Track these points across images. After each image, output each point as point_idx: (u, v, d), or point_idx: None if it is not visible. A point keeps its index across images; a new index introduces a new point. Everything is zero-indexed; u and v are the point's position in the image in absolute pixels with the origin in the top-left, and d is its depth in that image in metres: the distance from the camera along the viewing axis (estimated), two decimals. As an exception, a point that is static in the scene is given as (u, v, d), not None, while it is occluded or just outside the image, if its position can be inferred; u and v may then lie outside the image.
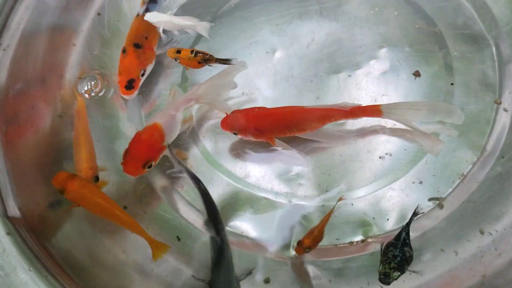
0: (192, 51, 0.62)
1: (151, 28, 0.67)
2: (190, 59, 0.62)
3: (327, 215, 0.58)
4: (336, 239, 0.60)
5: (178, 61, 0.63)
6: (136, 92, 0.65)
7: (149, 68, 0.66)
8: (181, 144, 0.65)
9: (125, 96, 0.65)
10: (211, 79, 0.64)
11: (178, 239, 0.61)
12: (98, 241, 0.58)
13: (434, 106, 0.61)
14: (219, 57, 0.63)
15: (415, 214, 0.57)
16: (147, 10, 0.68)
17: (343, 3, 0.71)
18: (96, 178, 0.60)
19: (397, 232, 0.56)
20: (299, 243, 0.55)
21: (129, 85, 0.64)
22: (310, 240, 0.55)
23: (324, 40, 0.69)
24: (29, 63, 0.64)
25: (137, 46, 0.65)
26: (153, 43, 0.68)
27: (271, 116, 0.61)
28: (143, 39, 0.66)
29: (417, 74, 0.65)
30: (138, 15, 0.68)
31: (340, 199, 0.60)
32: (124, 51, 0.65)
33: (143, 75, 0.65)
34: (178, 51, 0.62)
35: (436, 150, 0.61)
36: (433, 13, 0.68)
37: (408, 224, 0.56)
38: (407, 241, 0.55)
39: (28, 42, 0.64)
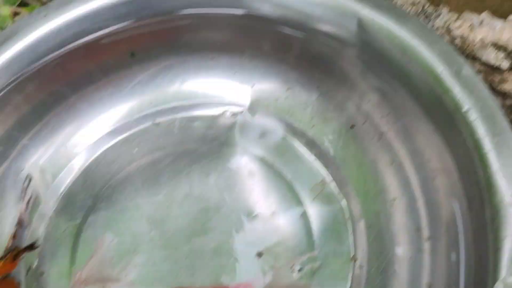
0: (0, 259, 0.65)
1: None
2: (4, 266, 0.65)
3: None
4: None
5: None
6: None
7: None
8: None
9: None
10: (90, 260, 0.68)
11: None
12: None
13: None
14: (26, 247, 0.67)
15: None
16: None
17: (211, 173, 0.77)
18: None
19: None
20: None
21: None
22: None
23: (195, 214, 0.75)
24: None
25: None
26: None
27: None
28: None
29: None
30: None
31: None
32: None
33: None
34: None
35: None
36: (291, 176, 0.75)
37: None
38: None
39: None
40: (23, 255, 0.68)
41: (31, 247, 0.69)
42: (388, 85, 0.70)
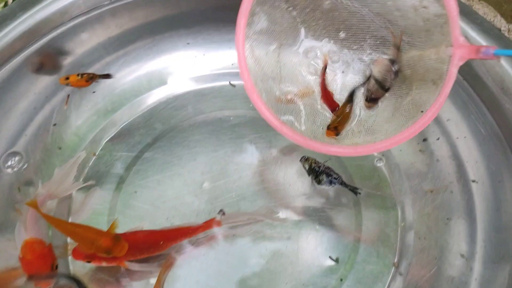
0: (78, 75, 0.74)
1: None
2: (79, 81, 0.74)
3: None
4: None
5: (70, 84, 0.74)
6: None
7: None
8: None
9: None
10: (55, 173, 0.70)
11: None
12: None
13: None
14: (101, 74, 0.76)
15: None
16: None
17: (273, 146, 0.78)
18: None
19: None
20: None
21: None
22: None
23: (250, 178, 0.75)
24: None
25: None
26: None
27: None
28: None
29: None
30: None
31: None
32: None
33: None
34: (67, 78, 0.74)
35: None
36: (352, 170, 0.75)
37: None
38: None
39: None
40: (97, 79, 0.75)
41: (107, 76, 0.77)
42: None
